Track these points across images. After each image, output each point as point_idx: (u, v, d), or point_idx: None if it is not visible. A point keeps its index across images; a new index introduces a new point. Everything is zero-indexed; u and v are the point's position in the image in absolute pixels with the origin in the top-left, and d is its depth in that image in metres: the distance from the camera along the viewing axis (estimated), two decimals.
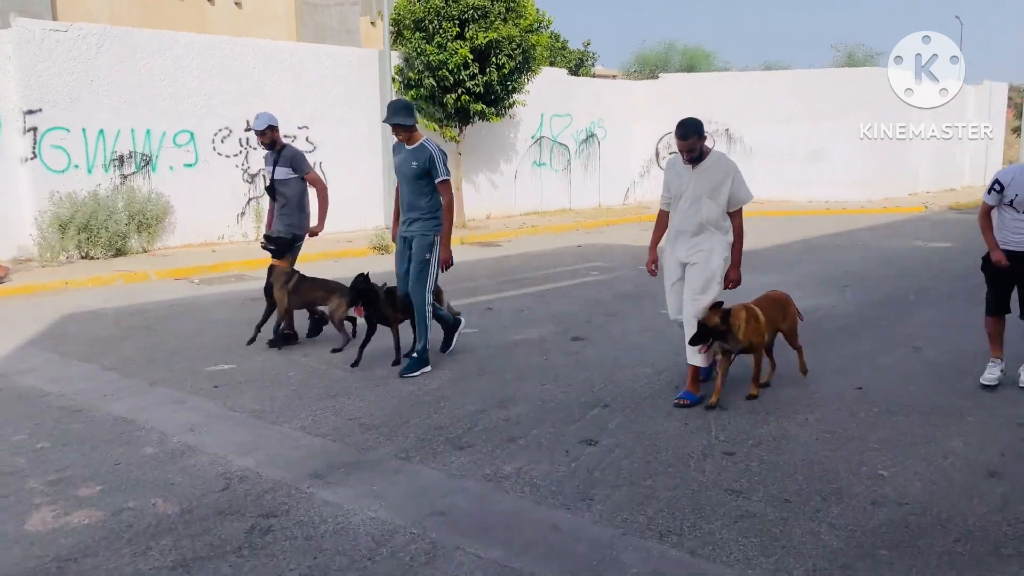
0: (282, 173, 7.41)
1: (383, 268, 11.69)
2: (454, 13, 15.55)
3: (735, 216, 5.54)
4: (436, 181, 6.27)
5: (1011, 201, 5.69)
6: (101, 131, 13.09)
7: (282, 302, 7.09)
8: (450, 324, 6.92)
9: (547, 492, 4.13)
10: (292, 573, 3.35)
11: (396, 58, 16.44)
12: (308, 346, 7.34)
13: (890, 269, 11.57)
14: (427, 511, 3.90)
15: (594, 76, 27.36)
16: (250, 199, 15.00)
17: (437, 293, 6.74)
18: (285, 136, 15.49)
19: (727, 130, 22.44)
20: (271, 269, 7.18)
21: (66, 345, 7.48)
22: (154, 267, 11.93)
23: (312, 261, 12.79)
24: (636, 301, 9.25)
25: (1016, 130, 36.02)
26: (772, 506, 3.94)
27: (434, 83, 15.85)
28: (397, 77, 16.30)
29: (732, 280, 5.55)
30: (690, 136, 5.36)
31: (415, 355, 6.41)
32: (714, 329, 5.27)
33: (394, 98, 17.00)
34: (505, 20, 15.96)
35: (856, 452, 4.64)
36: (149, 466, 4.53)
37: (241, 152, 14.83)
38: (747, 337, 5.39)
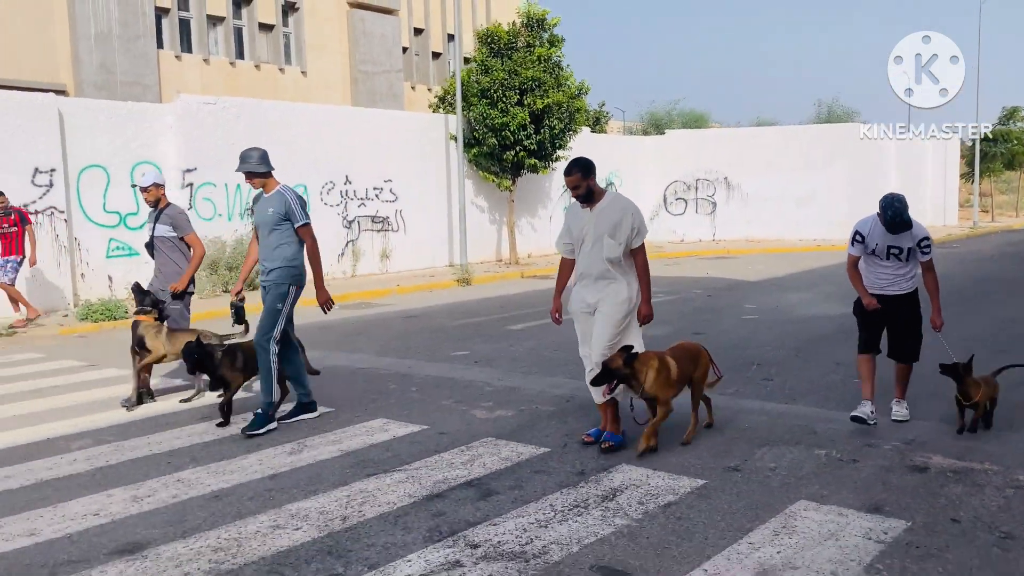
0: (162, 231, 7.45)
1: (461, 299, 14.44)
2: (515, 84, 18.58)
3: (638, 253, 5.55)
4: (296, 226, 6.23)
5: (872, 250, 6.02)
6: (238, 186, 15.71)
7: (158, 351, 7.12)
8: (305, 405, 6.58)
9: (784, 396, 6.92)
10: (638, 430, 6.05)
11: (456, 120, 19.29)
12: (500, 342, 9.99)
13: None
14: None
15: (605, 132, 30.67)
16: (348, 242, 17.69)
17: (301, 348, 6.77)
18: (374, 188, 18.43)
19: (726, 178, 25.69)
20: (136, 324, 7.20)
21: (327, 345, 9.88)
22: None
23: (406, 293, 15.51)
24: (715, 312, 12.09)
25: (964, 176, 39.63)
26: (884, 415, 6.73)
27: (496, 142, 18.78)
28: (459, 137, 19.17)
29: (645, 315, 5.58)
30: (573, 172, 5.44)
31: (259, 411, 6.22)
32: (616, 371, 5.24)
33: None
34: (556, 89, 19.04)
35: (919, 389, 7.35)
36: (546, 402, 7.14)
37: (341, 202, 17.52)
38: (652, 388, 5.32)
